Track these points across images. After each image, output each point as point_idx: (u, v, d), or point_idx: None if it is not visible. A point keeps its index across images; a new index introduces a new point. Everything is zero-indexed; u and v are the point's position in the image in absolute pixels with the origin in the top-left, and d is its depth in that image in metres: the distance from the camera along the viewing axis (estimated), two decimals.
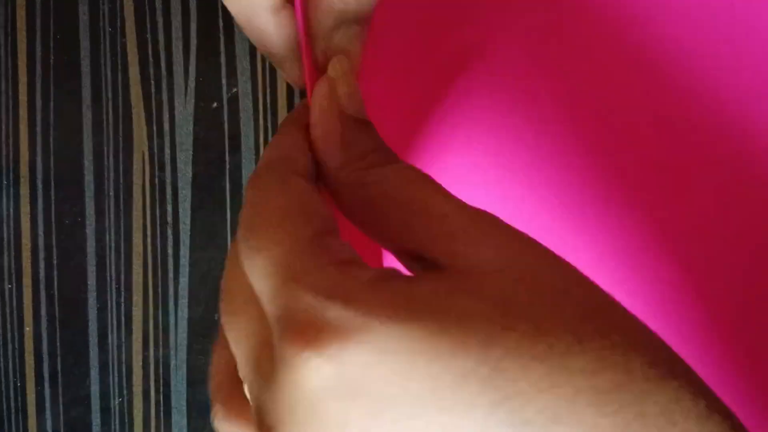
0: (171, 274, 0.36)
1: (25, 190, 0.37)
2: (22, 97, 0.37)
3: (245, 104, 0.36)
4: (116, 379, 0.36)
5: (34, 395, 0.37)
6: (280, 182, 0.20)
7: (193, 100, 0.37)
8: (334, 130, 0.22)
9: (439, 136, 0.28)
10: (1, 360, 0.37)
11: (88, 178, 0.37)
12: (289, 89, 0.36)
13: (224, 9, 0.37)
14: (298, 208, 0.19)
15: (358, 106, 0.22)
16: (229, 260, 0.21)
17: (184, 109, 0.37)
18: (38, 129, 0.37)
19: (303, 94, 0.24)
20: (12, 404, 0.37)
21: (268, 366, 0.17)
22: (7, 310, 0.37)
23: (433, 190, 0.20)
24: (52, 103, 0.37)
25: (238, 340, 0.19)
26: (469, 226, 0.19)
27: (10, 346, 0.37)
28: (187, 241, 0.36)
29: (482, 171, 0.27)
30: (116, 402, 0.37)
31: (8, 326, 0.37)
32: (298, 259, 0.18)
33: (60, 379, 0.37)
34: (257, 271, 0.18)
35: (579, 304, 0.17)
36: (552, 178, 0.26)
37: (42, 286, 0.37)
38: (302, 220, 0.19)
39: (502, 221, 0.19)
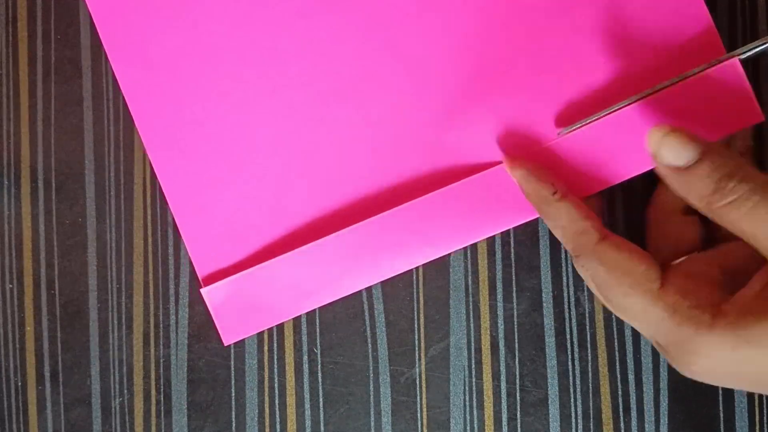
0: (171, 274, 0.37)
1: (26, 190, 0.37)
2: (23, 97, 0.37)
3: None
4: (117, 379, 0.37)
5: (35, 394, 0.37)
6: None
7: None
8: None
9: None
10: (2, 359, 0.37)
11: (89, 178, 0.37)
12: None
13: None
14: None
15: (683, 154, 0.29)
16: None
17: None
18: (39, 129, 0.37)
19: None
20: (13, 403, 0.37)
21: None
22: (8, 310, 0.37)
23: None
24: (53, 103, 0.37)
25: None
26: None
27: (11, 346, 0.37)
28: None
29: None
30: (117, 401, 0.37)
31: (9, 325, 0.37)
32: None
33: (61, 379, 0.37)
34: None
35: None
36: None
37: (43, 286, 0.37)
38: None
39: None
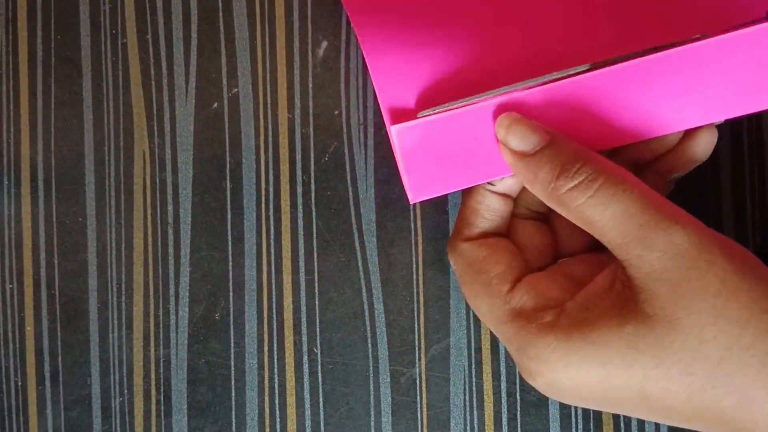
0: (171, 274, 0.37)
1: (26, 190, 0.37)
2: (23, 98, 0.37)
3: (245, 104, 0.36)
4: (117, 379, 0.37)
5: (35, 394, 0.37)
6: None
7: (193, 100, 0.37)
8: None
9: None
10: (3, 359, 0.37)
11: (89, 178, 0.37)
12: (290, 89, 0.36)
13: (224, 9, 0.37)
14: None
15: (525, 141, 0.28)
16: None
17: (185, 109, 0.37)
18: (39, 129, 0.37)
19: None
20: (13, 403, 0.37)
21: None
22: (9, 310, 0.37)
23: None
24: (53, 104, 0.37)
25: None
26: None
27: (11, 346, 0.37)
28: (188, 241, 0.37)
29: None
30: (117, 401, 0.37)
31: (9, 326, 0.37)
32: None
33: (61, 379, 0.37)
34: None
35: None
36: None
37: (43, 286, 0.37)
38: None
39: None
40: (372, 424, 0.36)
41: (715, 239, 0.25)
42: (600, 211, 0.26)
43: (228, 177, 0.36)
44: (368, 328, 0.36)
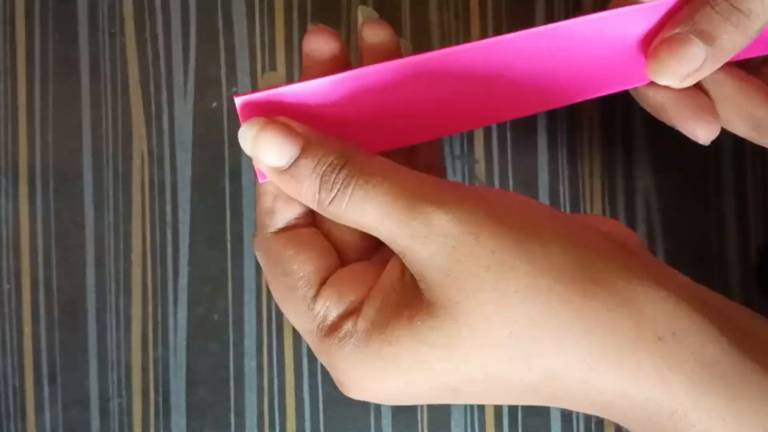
0: (170, 274, 0.36)
1: (24, 190, 0.37)
2: (21, 97, 0.37)
3: None
4: (115, 380, 0.36)
5: (32, 395, 0.36)
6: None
7: (192, 100, 0.36)
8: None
9: None
10: (0, 360, 0.37)
11: (87, 177, 0.37)
12: None
13: (224, 8, 0.37)
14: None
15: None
16: None
17: (184, 109, 0.36)
18: (37, 129, 0.37)
19: None
20: (11, 404, 0.36)
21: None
22: (6, 310, 0.37)
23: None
24: (51, 103, 0.37)
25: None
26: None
27: (8, 346, 0.37)
28: (187, 241, 0.36)
29: None
30: (115, 402, 0.36)
31: (7, 326, 0.37)
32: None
33: (59, 379, 0.36)
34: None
35: None
36: None
37: (41, 286, 0.37)
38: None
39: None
40: (372, 424, 0.36)
41: (486, 209, 0.23)
42: (360, 214, 0.23)
43: (227, 177, 0.36)
44: None
